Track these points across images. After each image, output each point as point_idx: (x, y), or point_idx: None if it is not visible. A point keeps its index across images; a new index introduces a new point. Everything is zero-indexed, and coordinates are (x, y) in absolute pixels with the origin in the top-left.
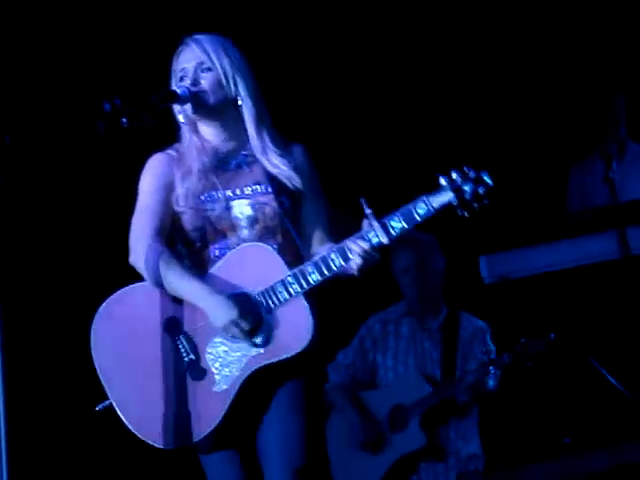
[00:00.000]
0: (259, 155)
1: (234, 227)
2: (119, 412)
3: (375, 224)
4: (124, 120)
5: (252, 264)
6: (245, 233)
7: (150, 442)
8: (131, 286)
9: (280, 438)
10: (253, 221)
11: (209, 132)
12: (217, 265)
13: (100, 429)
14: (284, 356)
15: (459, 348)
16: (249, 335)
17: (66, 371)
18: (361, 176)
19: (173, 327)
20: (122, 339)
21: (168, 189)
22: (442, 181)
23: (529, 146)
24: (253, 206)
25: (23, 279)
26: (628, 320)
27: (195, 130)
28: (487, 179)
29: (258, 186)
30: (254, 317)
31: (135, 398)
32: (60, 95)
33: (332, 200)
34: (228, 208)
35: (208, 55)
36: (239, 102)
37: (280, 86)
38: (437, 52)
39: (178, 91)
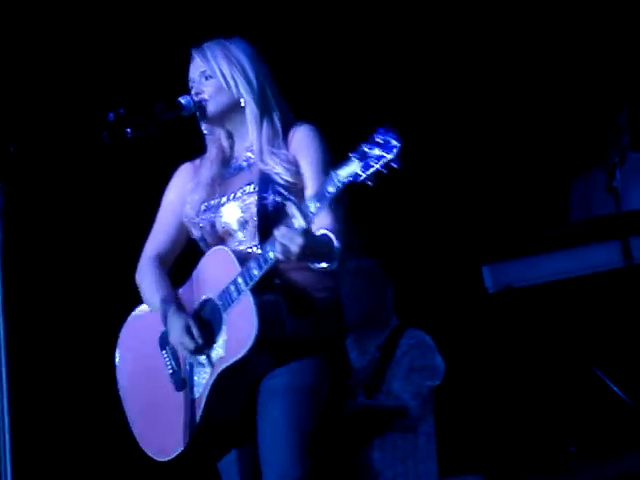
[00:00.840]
0: (256, 156)
1: (229, 232)
2: (132, 428)
3: (293, 208)
4: (129, 130)
5: (213, 268)
6: (240, 236)
7: (150, 455)
8: (136, 310)
9: (271, 447)
10: (244, 223)
11: (223, 137)
12: (192, 274)
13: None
14: (236, 358)
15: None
16: (199, 351)
17: (70, 372)
18: None
19: (163, 340)
20: (133, 357)
21: (181, 203)
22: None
23: (532, 155)
24: (241, 208)
25: (29, 285)
26: (631, 329)
27: (216, 138)
28: (393, 140)
29: (248, 186)
30: (206, 329)
31: (138, 414)
32: (65, 105)
33: None
34: (220, 215)
35: (207, 62)
36: (242, 104)
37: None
38: (442, 63)
39: (182, 101)
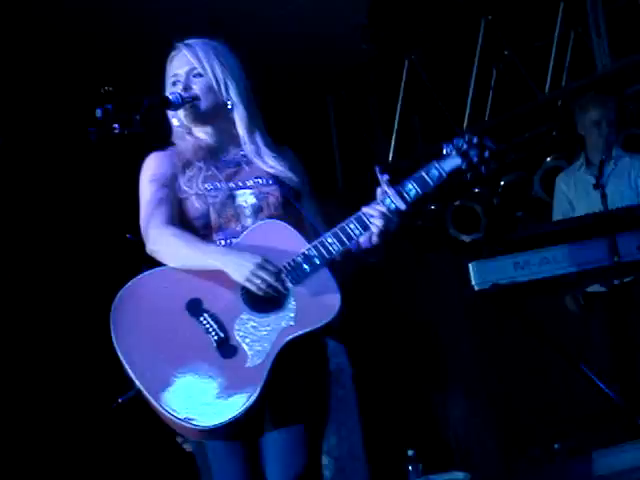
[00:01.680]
0: (253, 157)
1: (238, 216)
2: (148, 394)
3: (390, 191)
4: (116, 126)
5: (273, 239)
6: (249, 222)
7: (188, 422)
8: (148, 272)
9: (279, 443)
10: (257, 210)
11: (203, 136)
12: (236, 241)
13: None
14: (316, 326)
15: None
16: (272, 287)
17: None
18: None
19: (195, 307)
20: (144, 321)
21: (170, 178)
22: (447, 149)
23: (518, 151)
24: (257, 195)
25: (14, 280)
26: (618, 327)
27: (189, 133)
28: (489, 143)
29: (260, 179)
30: (276, 270)
31: (166, 378)
32: (53, 100)
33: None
34: (232, 197)
35: (199, 60)
36: (229, 106)
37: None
38: (432, 53)
39: (170, 97)
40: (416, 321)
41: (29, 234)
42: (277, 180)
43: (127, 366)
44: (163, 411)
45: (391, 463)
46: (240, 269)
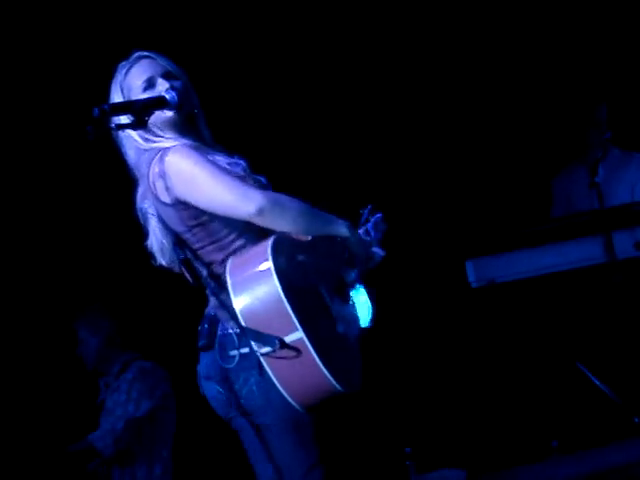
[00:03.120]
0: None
1: None
2: (313, 347)
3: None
4: (113, 126)
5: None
6: None
7: (335, 380)
8: (276, 237)
9: None
10: None
11: (175, 132)
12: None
13: None
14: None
15: None
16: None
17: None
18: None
19: (320, 278)
20: (301, 279)
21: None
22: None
23: (515, 151)
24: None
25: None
26: (614, 324)
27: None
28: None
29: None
30: None
31: (323, 337)
32: (50, 100)
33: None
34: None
35: (171, 66)
36: (195, 110)
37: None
38: (420, 54)
39: (167, 96)
40: (411, 318)
41: (25, 231)
42: None
43: (297, 318)
44: (318, 366)
45: (390, 461)
46: (364, 245)
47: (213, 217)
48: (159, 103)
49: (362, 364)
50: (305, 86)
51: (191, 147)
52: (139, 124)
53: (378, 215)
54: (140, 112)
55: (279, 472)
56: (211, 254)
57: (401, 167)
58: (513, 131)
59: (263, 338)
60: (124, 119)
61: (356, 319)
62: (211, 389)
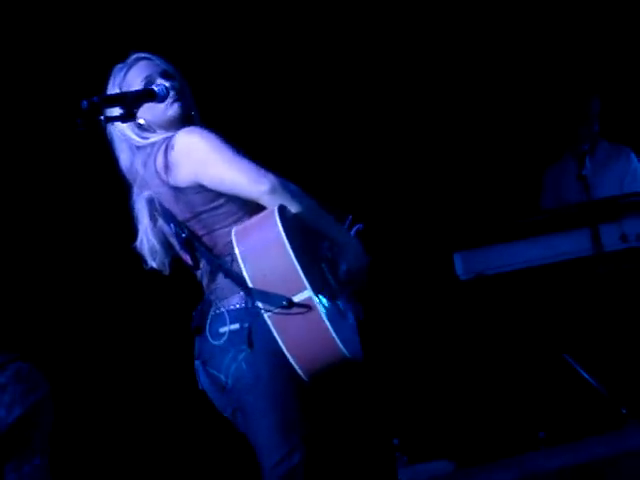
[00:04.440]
0: None
1: None
2: (321, 308)
3: None
4: (102, 118)
5: None
6: None
7: (342, 344)
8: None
9: None
10: None
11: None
12: None
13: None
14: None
15: None
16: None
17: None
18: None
19: (315, 255)
20: (303, 245)
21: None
22: None
23: (503, 143)
24: None
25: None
26: (601, 316)
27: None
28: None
29: None
30: None
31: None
32: (39, 92)
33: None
34: None
35: (168, 66)
36: (192, 113)
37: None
38: (412, 51)
39: (156, 89)
40: (399, 311)
41: (15, 226)
42: None
43: (306, 279)
44: (326, 327)
45: (378, 452)
46: (360, 258)
47: (226, 201)
48: (148, 95)
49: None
50: (294, 84)
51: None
52: (128, 117)
53: (359, 226)
54: (129, 105)
55: (256, 453)
56: (215, 238)
57: (388, 160)
58: (501, 123)
59: (271, 298)
60: (114, 111)
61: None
62: (206, 377)
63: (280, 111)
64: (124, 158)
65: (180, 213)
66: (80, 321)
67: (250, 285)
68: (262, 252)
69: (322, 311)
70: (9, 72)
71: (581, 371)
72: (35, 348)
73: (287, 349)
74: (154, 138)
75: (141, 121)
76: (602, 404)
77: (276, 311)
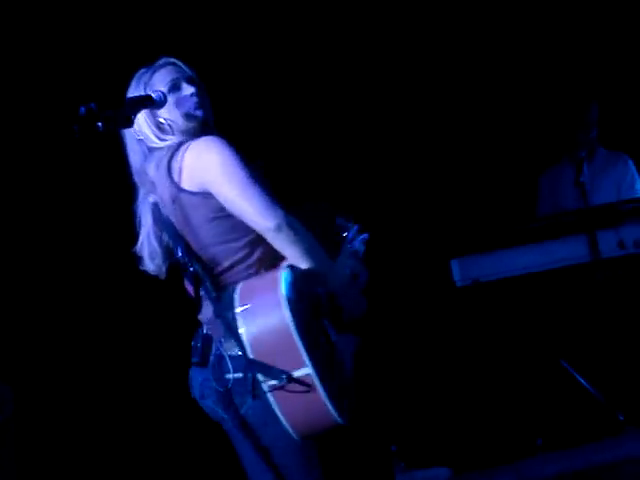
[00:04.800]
0: None
1: None
2: (320, 382)
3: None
4: (100, 124)
5: None
6: None
7: (338, 414)
8: (287, 267)
9: None
10: None
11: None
12: None
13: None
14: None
15: None
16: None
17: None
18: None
19: (318, 310)
20: (309, 314)
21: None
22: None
23: (500, 150)
24: None
25: None
26: (598, 322)
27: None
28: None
29: None
30: None
31: (328, 372)
32: (37, 98)
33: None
34: None
35: (195, 75)
36: (209, 124)
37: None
38: (410, 59)
39: (153, 95)
40: (398, 318)
41: (11, 231)
42: None
43: (307, 354)
44: (325, 401)
45: (375, 459)
46: (355, 306)
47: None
48: (146, 102)
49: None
50: (293, 85)
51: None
52: (126, 123)
53: (364, 236)
54: (129, 111)
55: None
56: (217, 255)
57: (386, 167)
58: (498, 131)
59: (270, 371)
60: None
61: (349, 344)
62: (206, 405)
63: (277, 121)
64: (135, 159)
65: (193, 218)
66: (77, 325)
67: (250, 356)
68: (264, 322)
69: (320, 388)
70: (8, 78)
71: (578, 378)
72: (33, 354)
73: (283, 418)
74: (170, 141)
75: (162, 120)
76: (599, 411)
77: (275, 384)
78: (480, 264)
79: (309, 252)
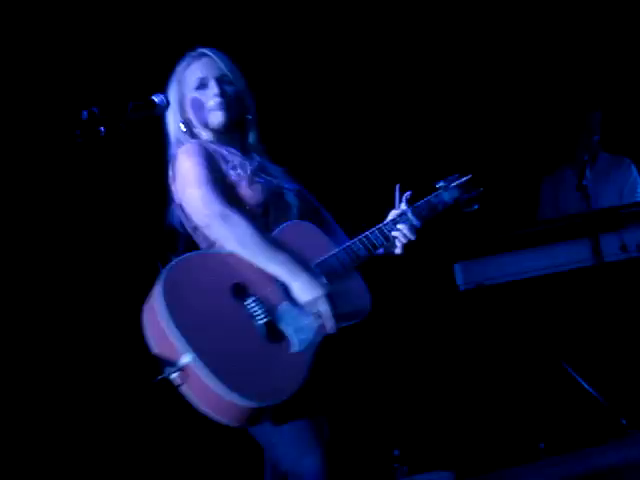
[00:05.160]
0: (264, 165)
1: (287, 212)
2: (207, 367)
3: (410, 209)
4: (102, 129)
5: (304, 239)
6: (293, 217)
7: (241, 397)
8: (196, 252)
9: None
10: (301, 211)
11: (219, 138)
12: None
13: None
14: (349, 323)
15: None
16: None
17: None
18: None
19: (240, 291)
20: (195, 300)
21: (216, 163)
22: (441, 184)
23: (503, 154)
24: (298, 197)
25: None
26: (601, 326)
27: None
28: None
29: (288, 184)
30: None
31: (221, 357)
32: (39, 103)
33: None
34: (282, 193)
35: (230, 70)
36: (249, 117)
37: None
38: (409, 61)
39: (156, 100)
40: (401, 321)
41: (12, 236)
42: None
43: (185, 340)
44: (218, 386)
45: (378, 463)
46: (307, 295)
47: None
48: (148, 106)
49: (307, 372)
50: (293, 85)
51: (200, 146)
52: (130, 127)
53: (408, 193)
54: (130, 115)
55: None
56: None
57: (389, 171)
58: (501, 134)
59: (167, 364)
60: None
61: (308, 329)
62: None
63: (277, 122)
64: (172, 146)
65: (185, 226)
66: (74, 325)
67: (154, 352)
68: (147, 317)
69: (203, 372)
70: (9, 82)
71: (581, 381)
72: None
73: (203, 407)
74: (194, 138)
75: (189, 117)
76: (602, 415)
77: (175, 376)
78: (483, 268)
79: (242, 247)
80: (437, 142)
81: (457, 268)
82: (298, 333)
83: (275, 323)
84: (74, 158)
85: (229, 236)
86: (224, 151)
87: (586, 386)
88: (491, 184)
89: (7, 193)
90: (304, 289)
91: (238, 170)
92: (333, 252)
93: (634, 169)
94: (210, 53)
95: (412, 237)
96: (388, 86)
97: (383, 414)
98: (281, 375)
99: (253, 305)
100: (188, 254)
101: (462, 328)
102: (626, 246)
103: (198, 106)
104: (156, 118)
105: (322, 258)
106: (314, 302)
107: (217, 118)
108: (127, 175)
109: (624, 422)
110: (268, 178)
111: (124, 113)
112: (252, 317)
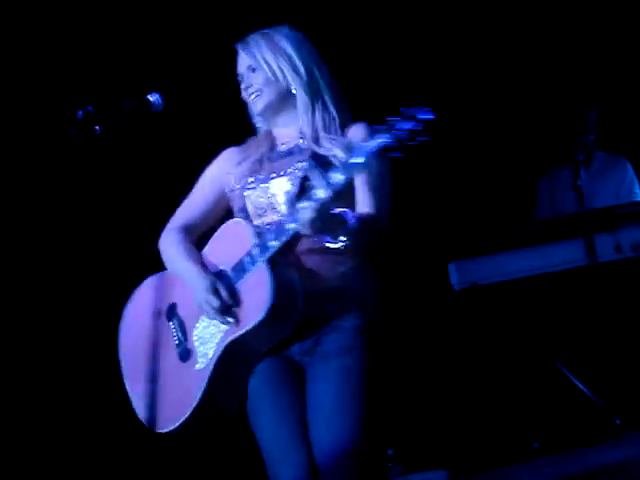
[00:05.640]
0: (310, 142)
1: (273, 205)
2: (132, 402)
3: (317, 178)
4: (97, 128)
5: (228, 240)
6: (284, 209)
7: (148, 425)
8: (156, 275)
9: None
10: (292, 195)
11: (274, 123)
12: (207, 244)
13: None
14: (247, 327)
15: None
16: (220, 313)
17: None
18: None
19: (171, 311)
20: (134, 333)
21: (224, 175)
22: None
23: (498, 153)
24: (292, 182)
25: None
26: (595, 326)
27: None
28: (422, 114)
29: (299, 163)
30: (226, 295)
31: (140, 385)
32: (34, 102)
33: None
34: (267, 187)
35: (253, 56)
36: (293, 91)
37: None
38: (407, 59)
39: (151, 99)
40: (395, 321)
41: (8, 236)
42: (316, 161)
43: (122, 372)
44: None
45: (372, 462)
46: (197, 295)
47: None
48: (144, 105)
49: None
50: None
51: (224, 155)
52: (125, 126)
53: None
54: (126, 114)
55: None
56: None
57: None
58: (497, 134)
59: None
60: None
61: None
62: None
63: None
64: None
65: None
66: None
67: None
68: None
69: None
70: (5, 81)
71: (575, 381)
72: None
73: None
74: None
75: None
76: (597, 414)
77: None
78: (478, 267)
79: (169, 265)
80: (434, 141)
81: (452, 267)
82: (203, 347)
83: (187, 341)
84: (70, 157)
85: (163, 256)
86: (252, 153)
87: (580, 386)
88: (487, 184)
89: (3, 192)
90: (195, 294)
91: (233, 182)
92: (249, 249)
93: (630, 168)
94: (239, 47)
95: (318, 214)
96: (387, 86)
97: (377, 413)
98: (182, 396)
99: (175, 325)
100: (155, 275)
101: (456, 328)
102: (621, 246)
103: (246, 102)
104: (151, 117)
105: (239, 258)
106: (200, 305)
107: (255, 108)
108: (123, 174)
109: (618, 422)
110: (259, 176)
111: (119, 112)
112: (173, 337)
